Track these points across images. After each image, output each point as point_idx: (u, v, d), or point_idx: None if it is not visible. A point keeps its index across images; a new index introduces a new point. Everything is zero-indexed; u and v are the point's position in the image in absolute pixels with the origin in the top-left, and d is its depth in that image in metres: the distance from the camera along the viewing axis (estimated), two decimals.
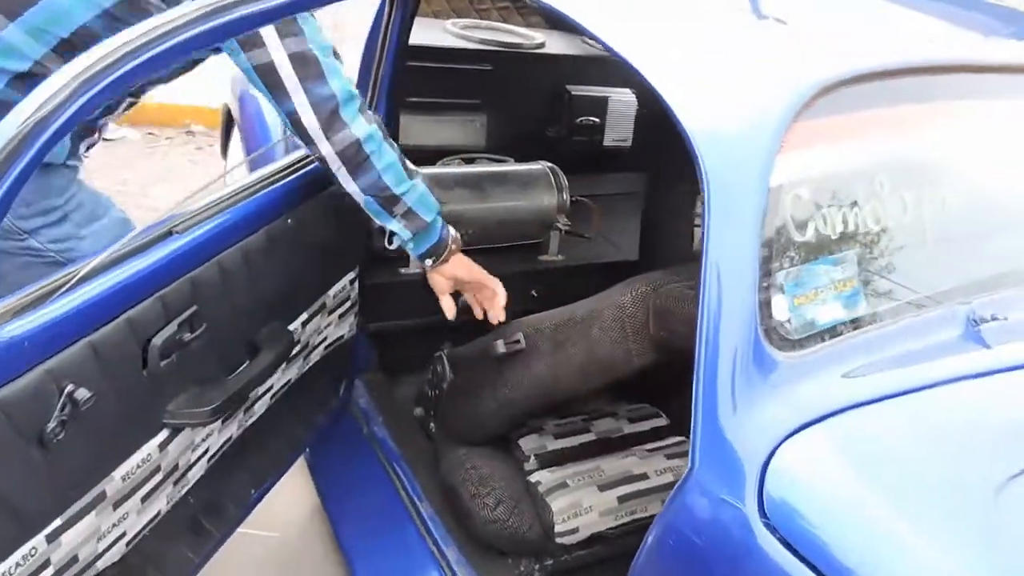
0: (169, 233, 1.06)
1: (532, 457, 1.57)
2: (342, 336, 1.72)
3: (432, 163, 2.26)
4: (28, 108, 0.77)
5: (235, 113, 2.62)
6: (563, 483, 1.50)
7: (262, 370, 1.25)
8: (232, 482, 1.45)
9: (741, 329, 0.91)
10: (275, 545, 1.86)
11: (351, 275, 1.65)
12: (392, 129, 2.36)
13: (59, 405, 0.88)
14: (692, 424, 0.88)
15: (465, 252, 2.16)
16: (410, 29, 1.69)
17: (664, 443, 1.66)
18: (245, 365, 1.29)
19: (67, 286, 0.91)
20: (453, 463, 1.55)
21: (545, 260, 2.23)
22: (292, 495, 1.94)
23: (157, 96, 4.25)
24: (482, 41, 2.51)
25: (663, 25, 1.25)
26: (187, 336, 1.11)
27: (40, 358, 0.86)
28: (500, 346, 1.44)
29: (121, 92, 0.88)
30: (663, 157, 2.13)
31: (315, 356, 1.62)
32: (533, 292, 2.20)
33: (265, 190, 1.26)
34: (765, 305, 0.94)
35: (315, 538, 1.89)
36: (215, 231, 1.13)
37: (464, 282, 1.55)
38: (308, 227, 1.38)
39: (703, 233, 0.96)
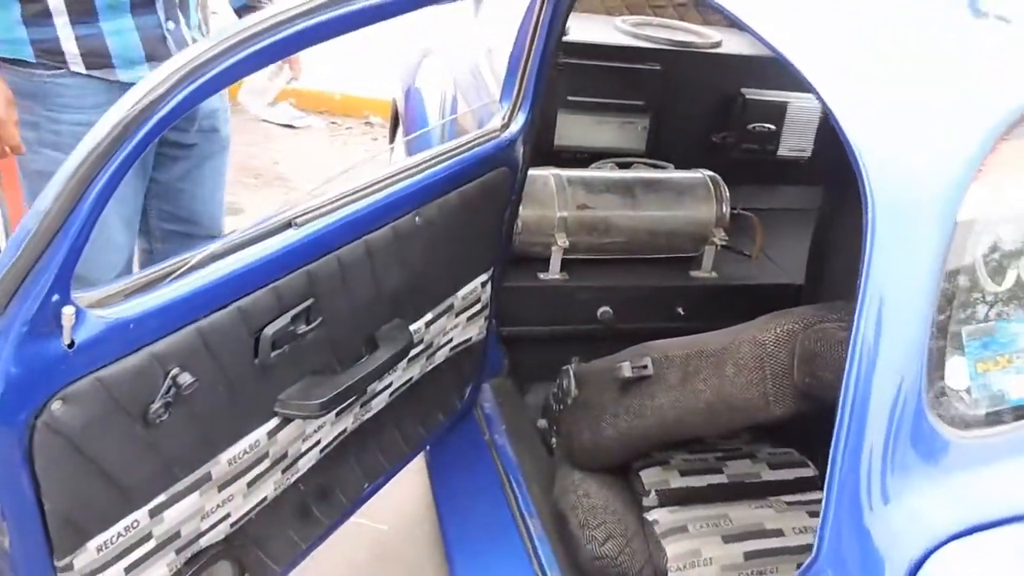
0: (288, 225, 1.06)
1: (652, 492, 1.44)
2: (470, 339, 1.68)
3: (586, 165, 2.17)
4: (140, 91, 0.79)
5: (400, 107, 2.67)
6: (683, 527, 1.36)
7: (377, 367, 1.22)
8: (345, 474, 1.45)
9: (901, 392, 0.74)
10: (382, 537, 1.87)
11: (483, 277, 1.60)
12: (546, 128, 2.30)
13: (163, 387, 0.90)
14: (824, 502, 0.72)
15: (610, 262, 2.05)
16: (564, 25, 1.61)
17: (808, 497, 1.46)
18: (361, 360, 1.27)
19: (179, 272, 0.92)
20: (566, 486, 1.46)
21: (696, 276, 2.07)
22: (408, 490, 1.94)
23: (341, 88, 4.53)
24: (652, 39, 2.37)
25: (854, 23, 1.08)
26: (302, 328, 1.10)
27: (147, 341, 0.88)
28: (626, 369, 1.32)
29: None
30: (846, 172, 1.89)
31: (440, 356, 1.59)
32: (679, 310, 2.05)
33: (394, 187, 1.23)
34: (937, 365, 0.76)
35: (423, 537, 1.88)
36: (337, 225, 1.12)
37: None
38: (438, 226, 1.34)
39: (862, 264, 0.80)
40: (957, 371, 0.76)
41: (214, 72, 0.83)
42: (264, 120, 4.20)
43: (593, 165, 2.16)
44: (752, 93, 2.39)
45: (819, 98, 0.87)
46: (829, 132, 2.50)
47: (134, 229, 1.77)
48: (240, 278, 0.98)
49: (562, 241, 1.89)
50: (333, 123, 4.46)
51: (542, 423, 1.83)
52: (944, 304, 0.76)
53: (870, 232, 0.77)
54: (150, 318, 0.87)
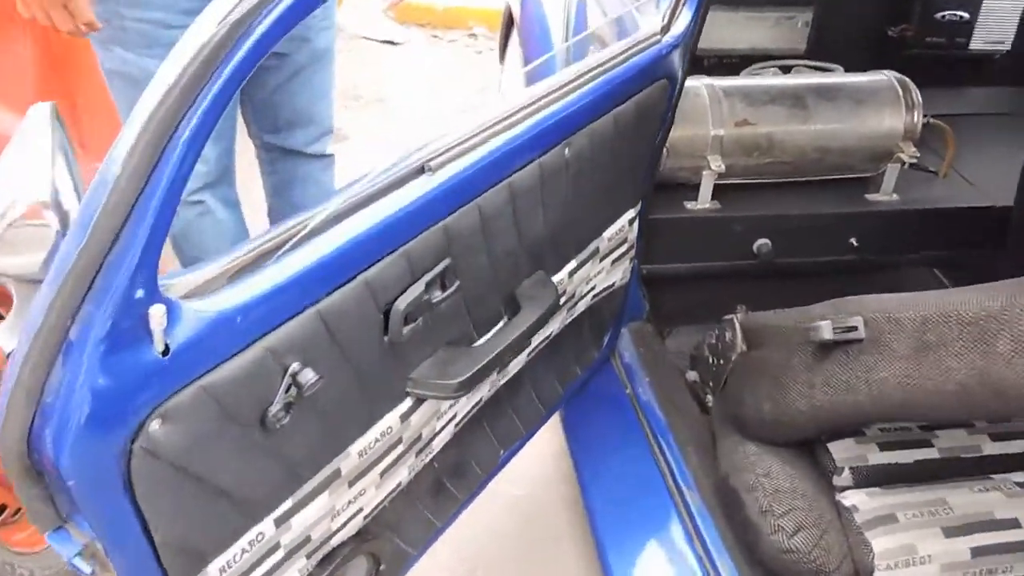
0: (421, 170, 0.84)
1: (846, 470, 1.20)
2: (613, 284, 1.45)
3: (738, 71, 1.84)
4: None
5: (515, 14, 2.38)
6: (891, 515, 1.12)
7: (521, 335, 1.02)
8: (480, 445, 1.28)
9: None
10: (520, 503, 1.72)
11: (631, 213, 1.35)
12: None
13: (283, 386, 0.72)
14: None
15: (769, 186, 1.74)
16: None
17: None
18: (501, 325, 1.07)
19: (289, 243, 0.73)
20: (738, 462, 1.24)
21: (875, 200, 1.74)
22: (544, 449, 1.77)
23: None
24: None
25: None
26: (437, 296, 0.90)
27: (258, 333, 0.70)
28: (826, 329, 1.06)
29: None
30: None
31: (580, 306, 1.37)
32: (853, 241, 1.74)
33: (539, 115, 0.98)
34: None
35: (561, 501, 1.71)
36: (478, 167, 0.89)
37: None
38: (587, 158, 1.09)
39: None
40: None
41: None
42: (363, 37, 3.98)
43: (747, 70, 1.83)
44: None
45: None
46: None
47: (223, 140, 1.58)
48: (365, 244, 0.77)
49: (716, 165, 1.60)
50: (435, 36, 4.18)
51: (692, 376, 1.59)
52: None
53: None
54: (260, 305, 0.69)
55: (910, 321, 0.95)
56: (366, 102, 3.38)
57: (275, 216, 1.84)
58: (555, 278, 1.18)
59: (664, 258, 1.72)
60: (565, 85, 1.04)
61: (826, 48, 2.06)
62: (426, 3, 4.18)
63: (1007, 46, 2.07)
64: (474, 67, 3.79)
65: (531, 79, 1.32)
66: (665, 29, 1.19)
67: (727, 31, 1.97)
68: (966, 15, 2.01)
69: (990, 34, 2.05)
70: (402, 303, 0.84)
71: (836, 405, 1.07)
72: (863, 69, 2.09)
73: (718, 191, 1.67)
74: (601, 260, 1.33)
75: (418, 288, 0.86)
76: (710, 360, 1.49)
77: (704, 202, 1.67)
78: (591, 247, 1.26)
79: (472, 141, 0.89)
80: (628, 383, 1.61)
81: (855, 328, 1.04)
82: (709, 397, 1.50)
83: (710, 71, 2.02)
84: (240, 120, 1.69)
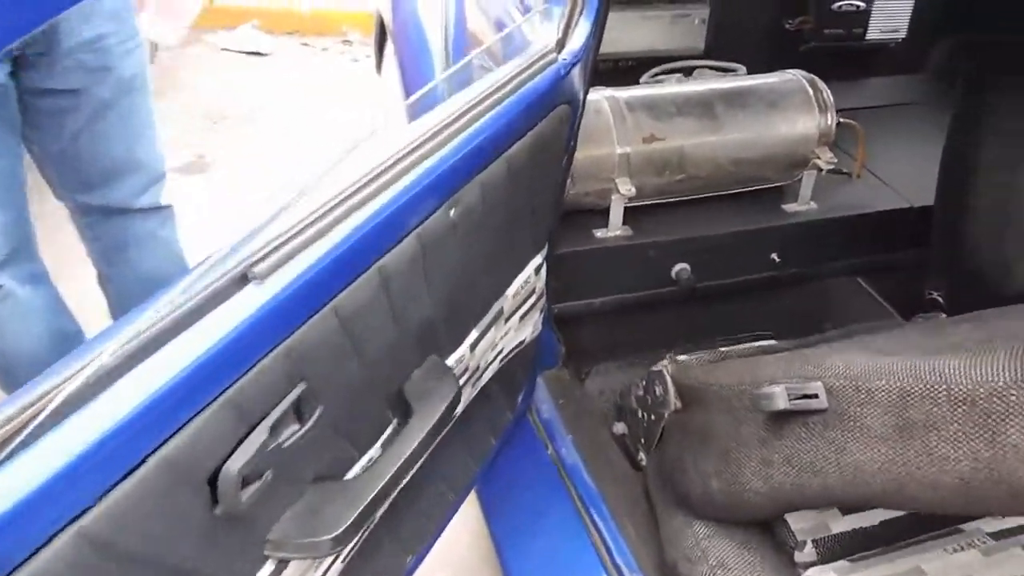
0: (244, 279, 0.60)
1: (808, 544, 1.03)
2: (524, 340, 1.24)
3: (635, 77, 1.66)
4: None
5: (386, 19, 2.13)
6: None
7: (415, 449, 0.79)
8: (382, 557, 1.04)
9: None
10: None
11: (537, 259, 1.15)
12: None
13: None
14: None
15: (683, 205, 1.58)
16: None
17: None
18: (389, 432, 0.84)
19: (54, 399, 0.47)
20: (688, 550, 1.06)
21: (793, 211, 1.61)
22: (459, 529, 1.54)
23: (310, 2, 3.90)
24: None
25: None
26: (291, 432, 0.66)
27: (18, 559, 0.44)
28: (780, 399, 0.88)
29: None
30: (1001, 52, 1.40)
31: (489, 374, 1.16)
32: (774, 256, 1.60)
33: (413, 173, 0.75)
34: None
35: None
36: (328, 260, 0.65)
37: None
38: (478, 213, 0.88)
39: None
40: None
41: None
42: (225, 49, 3.61)
43: (647, 76, 1.65)
44: None
45: None
46: (941, 6, 2.00)
47: (8, 209, 1.28)
48: (166, 402, 0.53)
49: (625, 188, 1.42)
50: (305, 45, 3.86)
51: (619, 427, 1.41)
52: None
53: None
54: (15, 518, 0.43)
55: (884, 393, 0.79)
56: (232, 122, 3.03)
57: (114, 286, 1.51)
58: (453, 358, 0.96)
59: (577, 294, 1.53)
60: (444, 129, 0.81)
61: (725, 46, 1.93)
62: (289, 7, 3.85)
63: (902, 34, 2.00)
64: (350, 77, 3.50)
65: (413, 105, 1.09)
66: (561, 44, 0.98)
67: (621, 32, 1.80)
68: (862, 4, 1.92)
69: (886, 23, 1.97)
70: (235, 464, 0.59)
71: (800, 487, 0.90)
72: (764, 65, 1.97)
73: (629, 215, 1.50)
74: (507, 320, 1.12)
75: (259, 437, 0.61)
76: (639, 414, 1.31)
77: (615, 229, 1.49)
78: (494, 310, 1.05)
79: (319, 226, 0.65)
80: (549, 442, 1.41)
81: (815, 396, 0.86)
82: (642, 456, 1.32)
83: (605, 77, 1.86)
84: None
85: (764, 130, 1.50)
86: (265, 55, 3.63)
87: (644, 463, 1.31)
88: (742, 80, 1.59)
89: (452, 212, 0.81)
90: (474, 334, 1.00)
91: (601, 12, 0.99)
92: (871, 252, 1.69)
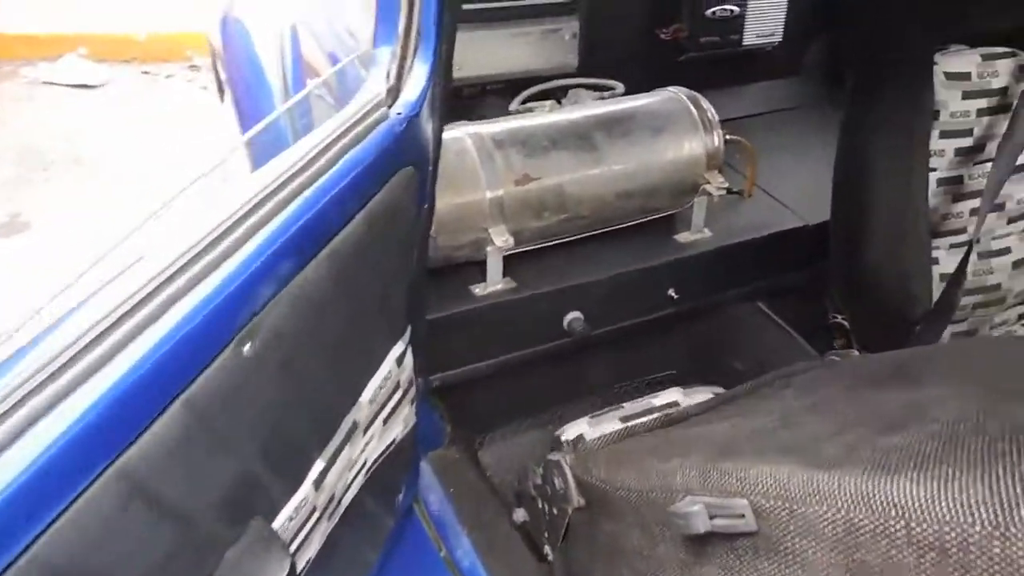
0: None
1: None
2: (395, 438, 1.03)
3: (505, 104, 1.48)
4: None
5: (216, 49, 1.85)
6: None
7: None
8: None
9: None
10: None
11: (399, 347, 0.94)
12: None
13: None
14: None
15: (568, 247, 1.41)
16: None
17: None
18: None
19: None
20: None
21: (687, 241, 1.46)
22: None
23: (148, 25, 3.50)
24: None
25: None
26: None
27: None
28: (699, 519, 0.71)
29: None
30: (890, 51, 1.30)
31: (352, 492, 0.94)
32: (671, 293, 1.46)
33: (191, 299, 0.53)
34: None
35: None
36: (109, 406, 0.43)
37: None
38: (290, 334, 0.66)
39: None
40: None
41: None
42: (47, 83, 3.19)
43: (517, 103, 1.47)
44: None
45: None
46: (815, 6, 1.92)
47: None
48: None
49: (502, 239, 1.23)
50: (146, 73, 3.47)
51: (520, 515, 1.22)
52: None
53: None
54: None
55: (827, 524, 0.62)
56: (57, 168, 2.64)
57: None
58: (290, 507, 0.73)
59: (459, 360, 1.33)
60: (245, 218, 0.59)
61: (599, 61, 1.78)
62: (124, 32, 3.44)
63: (778, 37, 1.92)
64: (198, 106, 3.16)
65: (252, 144, 0.86)
66: (395, 92, 0.78)
67: (487, 53, 1.61)
68: (736, 8, 1.81)
69: (762, 27, 1.87)
70: None
71: None
72: (641, 79, 1.83)
73: (510, 265, 1.31)
74: (367, 430, 0.90)
75: None
76: (540, 504, 1.12)
77: (495, 283, 1.29)
78: (344, 427, 0.83)
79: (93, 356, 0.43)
80: (441, 543, 1.21)
81: (741, 516, 0.70)
82: (547, 551, 1.13)
83: (472, 104, 1.67)
84: None
85: (649, 158, 1.35)
86: (96, 87, 3.22)
87: (551, 559, 1.13)
88: (621, 103, 1.43)
89: (247, 349, 0.59)
90: (319, 465, 0.79)
91: (442, 48, 0.79)
92: (770, 275, 1.58)
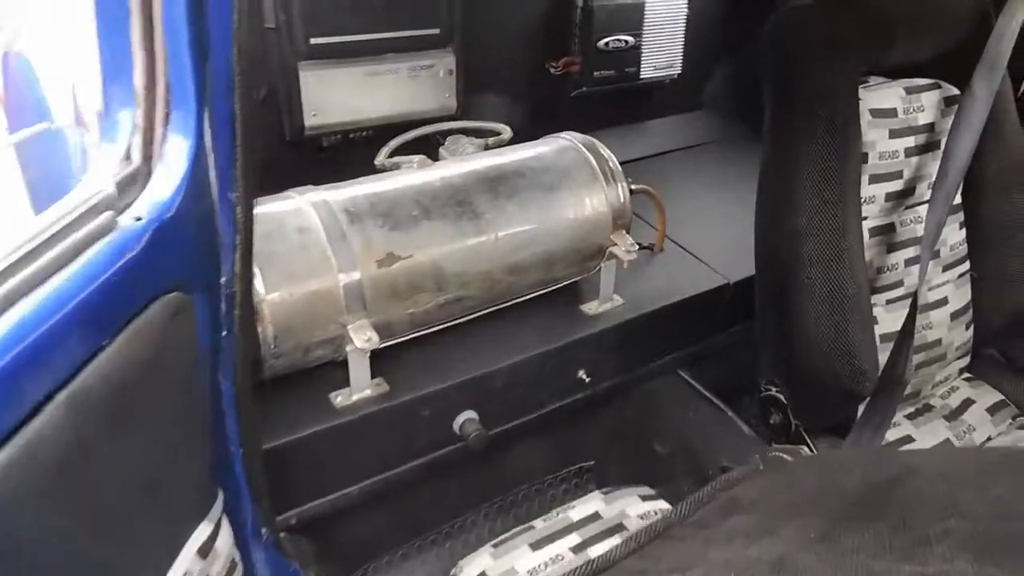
0: None
1: None
2: None
3: (369, 158, 1.21)
4: None
5: None
6: None
7: None
8: None
9: None
10: None
11: (200, 533, 0.64)
12: (287, 100, 1.29)
13: None
14: None
15: (454, 332, 1.15)
16: None
17: None
18: None
19: None
20: None
21: (595, 314, 1.23)
22: None
23: None
24: None
25: None
26: None
27: None
28: None
29: None
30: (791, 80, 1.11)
31: None
32: (583, 375, 1.22)
33: None
34: None
35: None
36: None
37: None
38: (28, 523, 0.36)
39: None
40: None
41: None
42: None
43: (383, 156, 1.21)
44: None
45: None
46: (714, 35, 1.73)
47: None
48: None
49: (363, 339, 0.95)
50: None
51: None
52: None
53: None
54: None
55: None
56: None
57: None
58: None
59: (320, 489, 1.04)
60: None
61: (482, 100, 1.55)
62: None
63: (678, 69, 1.74)
64: None
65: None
66: (127, 185, 0.49)
67: (348, 95, 1.35)
68: (631, 39, 1.62)
69: (660, 59, 1.70)
70: None
71: None
72: (530, 119, 1.62)
73: (381, 361, 1.04)
74: None
75: None
76: None
77: (362, 389, 1.01)
78: None
79: None
80: None
81: None
82: None
83: (335, 156, 1.39)
84: None
85: (545, 221, 1.11)
86: None
87: None
88: (507, 154, 1.18)
89: None
90: None
91: (235, 98, 0.51)
92: (691, 342, 1.37)
